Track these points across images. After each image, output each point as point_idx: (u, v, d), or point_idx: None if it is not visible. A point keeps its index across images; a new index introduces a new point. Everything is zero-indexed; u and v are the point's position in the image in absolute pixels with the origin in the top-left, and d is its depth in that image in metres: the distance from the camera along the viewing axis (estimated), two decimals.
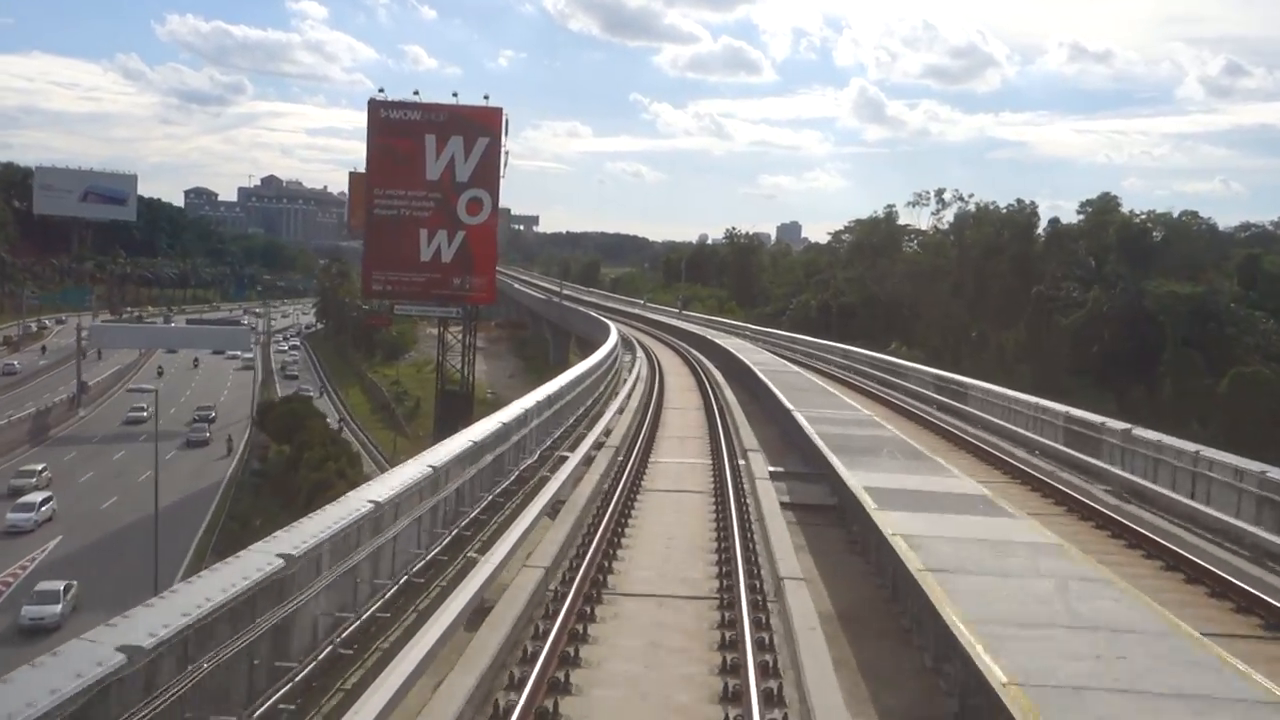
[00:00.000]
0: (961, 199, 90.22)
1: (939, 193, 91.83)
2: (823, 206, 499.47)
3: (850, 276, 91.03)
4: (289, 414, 59.52)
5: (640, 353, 50.17)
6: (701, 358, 49.61)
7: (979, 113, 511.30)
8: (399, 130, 70.98)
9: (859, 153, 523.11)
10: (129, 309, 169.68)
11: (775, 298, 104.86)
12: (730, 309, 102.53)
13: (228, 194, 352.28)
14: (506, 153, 72.46)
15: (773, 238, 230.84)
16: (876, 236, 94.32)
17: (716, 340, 53.57)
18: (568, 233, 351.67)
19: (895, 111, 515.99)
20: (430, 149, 70.90)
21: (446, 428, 43.04)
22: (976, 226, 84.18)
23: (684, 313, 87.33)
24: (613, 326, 60.88)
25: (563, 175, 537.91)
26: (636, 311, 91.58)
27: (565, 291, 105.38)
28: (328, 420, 67.58)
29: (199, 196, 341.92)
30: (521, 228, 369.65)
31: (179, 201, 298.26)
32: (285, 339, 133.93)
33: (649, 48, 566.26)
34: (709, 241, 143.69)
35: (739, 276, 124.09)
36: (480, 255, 72.40)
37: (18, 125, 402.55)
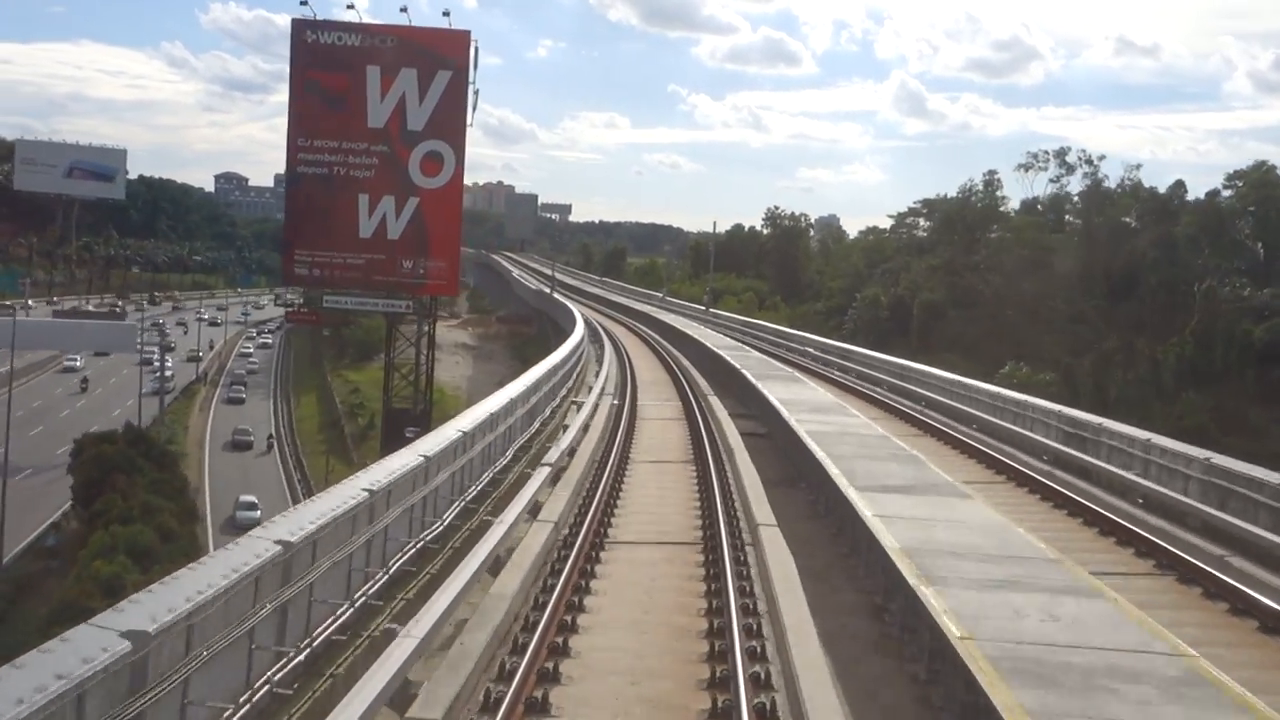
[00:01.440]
0: (1090, 162, 70.48)
1: (1059, 154, 71.39)
2: (860, 200, 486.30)
3: (935, 265, 71.89)
4: (96, 460, 41.71)
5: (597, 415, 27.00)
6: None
7: (1021, 107, 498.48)
8: (331, 60, 53.28)
9: (898, 146, 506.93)
10: (102, 296, 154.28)
11: (830, 292, 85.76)
12: (773, 305, 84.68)
13: (265, 181, 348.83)
14: (476, 92, 54.67)
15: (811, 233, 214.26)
16: (970, 214, 74.22)
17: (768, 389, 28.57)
18: (600, 222, 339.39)
19: (936, 105, 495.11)
20: (373, 86, 53.12)
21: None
22: (1110, 204, 64.16)
23: (712, 311, 69.07)
24: (569, 344, 41.19)
25: (600, 166, 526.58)
26: (648, 309, 72.95)
27: (558, 276, 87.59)
28: (179, 463, 49.89)
29: (229, 181, 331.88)
30: (556, 217, 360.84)
31: (212, 187, 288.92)
32: (260, 332, 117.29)
33: (688, 38, 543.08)
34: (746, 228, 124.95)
35: (782, 266, 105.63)
36: (439, 231, 54.57)
37: (66, 112, 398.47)
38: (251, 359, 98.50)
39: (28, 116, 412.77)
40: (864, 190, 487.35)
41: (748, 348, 47.02)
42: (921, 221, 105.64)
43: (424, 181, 53.80)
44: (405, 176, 53.61)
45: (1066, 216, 69.07)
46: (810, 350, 48.75)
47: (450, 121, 53.94)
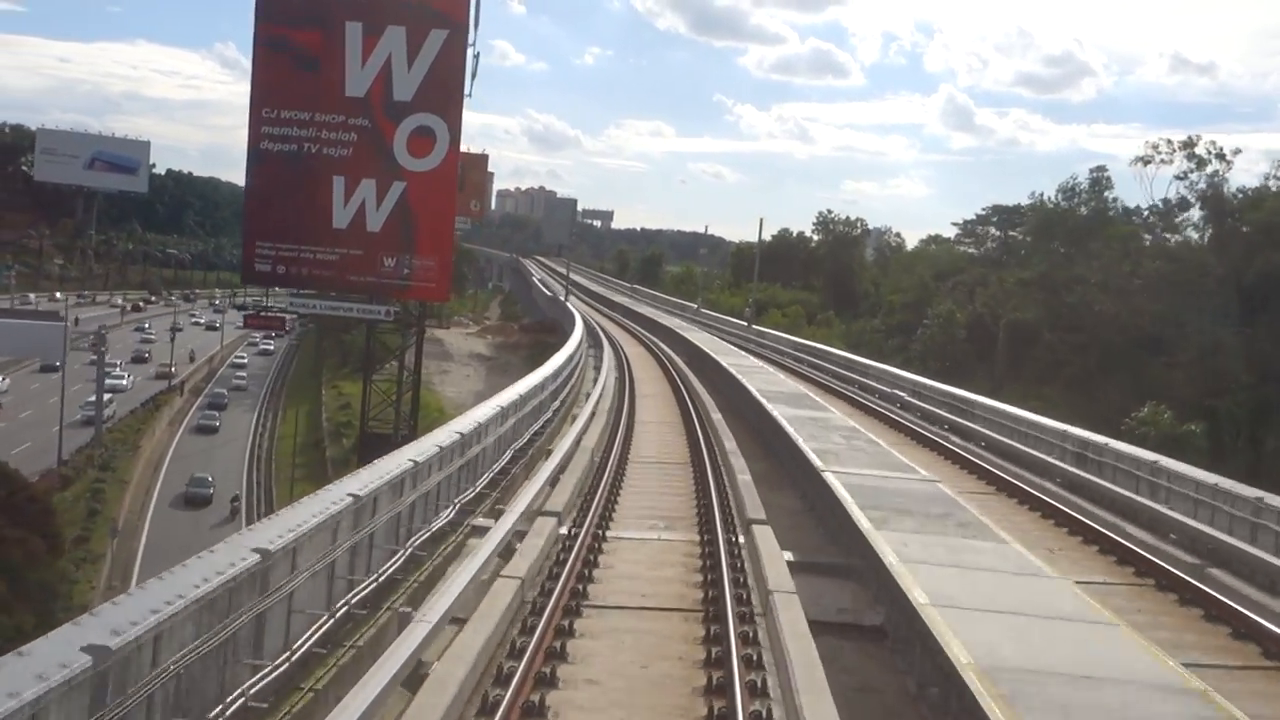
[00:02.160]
0: (1221, 156, 58.91)
1: (1187, 145, 59.40)
2: (904, 214, 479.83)
3: (1026, 278, 60.73)
4: None
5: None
6: None
7: (1071, 123, 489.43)
8: (303, 13, 44.48)
9: (944, 160, 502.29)
10: (108, 293, 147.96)
11: (889, 308, 75.20)
12: (824, 321, 74.86)
13: None
14: (476, 56, 45.75)
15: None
16: (1073, 219, 62.10)
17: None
18: (642, 230, 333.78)
19: (984, 119, 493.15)
20: (352, 46, 44.20)
21: None
22: (1253, 207, 52.62)
23: (754, 328, 58.83)
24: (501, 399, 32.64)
25: (643, 174, 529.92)
26: (679, 325, 62.66)
27: (586, 283, 78.19)
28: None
29: None
30: (598, 224, 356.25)
31: None
32: (266, 336, 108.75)
33: (735, 48, 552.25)
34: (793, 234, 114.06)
35: (834, 277, 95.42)
36: (428, 222, 45.43)
37: (121, 111, 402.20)
38: (239, 374, 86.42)
39: (84, 114, 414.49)
40: (908, 204, 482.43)
41: (822, 400, 31.30)
42: (991, 230, 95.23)
43: (411, 163, 44.73)
44: (389, 156, 44.59)
45: (1193, 220, 58.11)
46: (902, 394, 34.66)
47: (444, 91, 44.87)
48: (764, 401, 26.85)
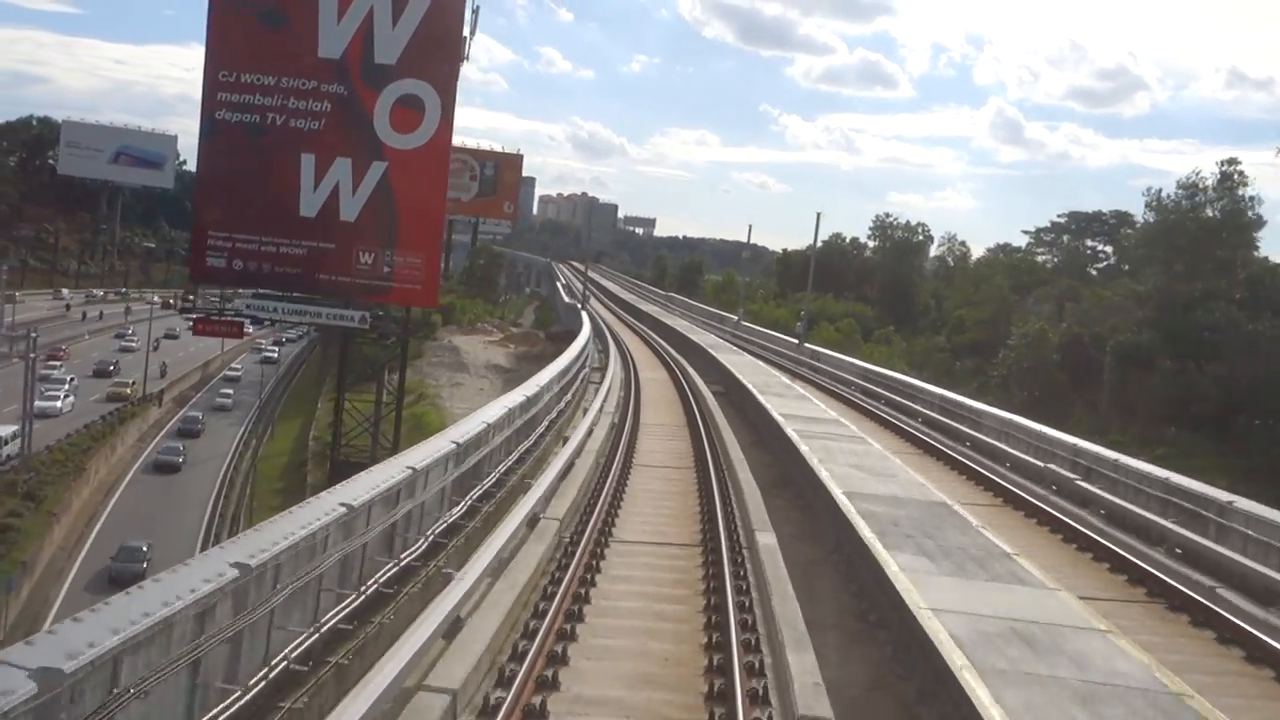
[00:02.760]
0: None
1: None
2: (950, 227, 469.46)
3: (1142, 292, 50.77)
4: None
5: None
6: None
7: (1123, 138, 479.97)
8: None
9: (992, 174, 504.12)
10: (122, 290, 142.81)
11: (956, 323, 65.56)
12: (883, 337, 66.26)
13: None
14: (475, 11, 38.30)
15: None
16: (1202, 226, 50.67)
17: None
18: (684, 238, 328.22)
19: (1034, 133, 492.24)
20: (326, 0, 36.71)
21: None
22: None
23: (805, 346, 49.66)
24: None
25: (687, 183, 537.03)
26: (715, 345, 53.06)
27: (618, 291, 69.89)
28: None
29: None
30: (640, 231, 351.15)
31: None
32: (281, 341, 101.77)
33: (782, 58, 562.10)
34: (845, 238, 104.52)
35: (892, 288, 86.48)
36: (415, 211, 37.67)
37: (174, 113, 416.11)
38: (224, 392, 71.87)
39: (137, 115, 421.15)
40: (954, 217, 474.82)
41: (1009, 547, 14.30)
42: (1064, 239, 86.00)
43: (395, 139, 37.09)
44: (369, 131, 36.98)
45: None
46: (1059, 469, 21.11)
47: (436, 53, 37.21)
48: (887, 565, 12.30)
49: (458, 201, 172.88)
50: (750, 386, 30.60)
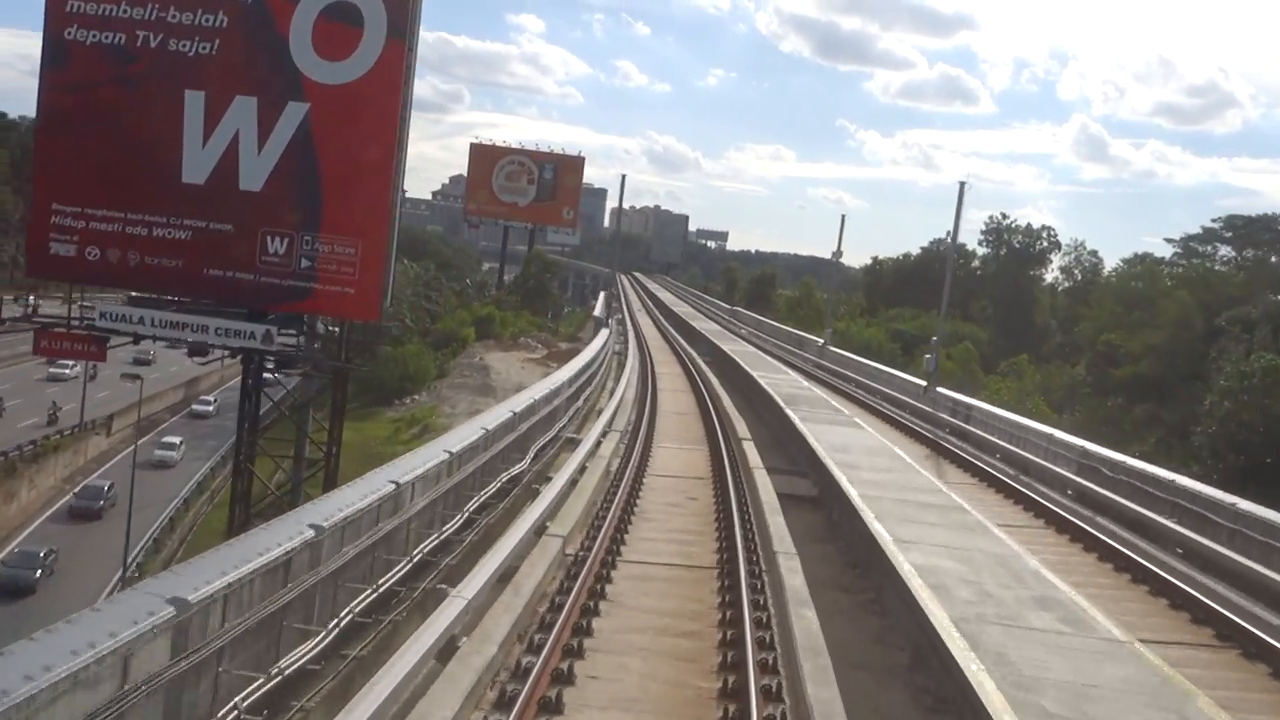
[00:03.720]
0: None
1: None
2: None
3: None
4: None
5: None
6: None
7: (1212, 156, 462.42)
8: None
9: (1073, 192, 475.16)
10: None
11: (1114, 352, 50.40)
12: (1012, 369, 52.36)
13: (423, 194, 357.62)
14: None
15: None
16: None
17: None
18: (756, 252, 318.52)
19: (1119, 150, 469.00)
20: None
21: None
22: None
23: (939, 392, 33.99)
24: None
25: (761, 199, 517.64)
26: (781, 381, 35.64)
27: (673, 303, 57.15)
28: None
29: None
30: (713, 244, 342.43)
31: None
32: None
33: (860, 72, 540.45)
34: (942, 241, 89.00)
35: (1011, 305, 71.92)
36: (348, 181, 25.36)
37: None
38: (164, 443, 53.21)
39: None
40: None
41: None
42: (1220, 249, 70.93)
43: (320, 69, 24.96)
44: (282, 57, 24.90)
45: None
46: None
47: None
48: None
49: (514, 206, 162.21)
50: (882, 538, 14.33)
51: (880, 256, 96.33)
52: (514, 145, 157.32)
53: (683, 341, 62.62)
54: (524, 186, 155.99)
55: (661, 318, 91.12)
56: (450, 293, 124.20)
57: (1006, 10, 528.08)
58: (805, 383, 38.72)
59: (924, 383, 34.86)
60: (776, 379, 37.35)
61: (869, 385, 41.30)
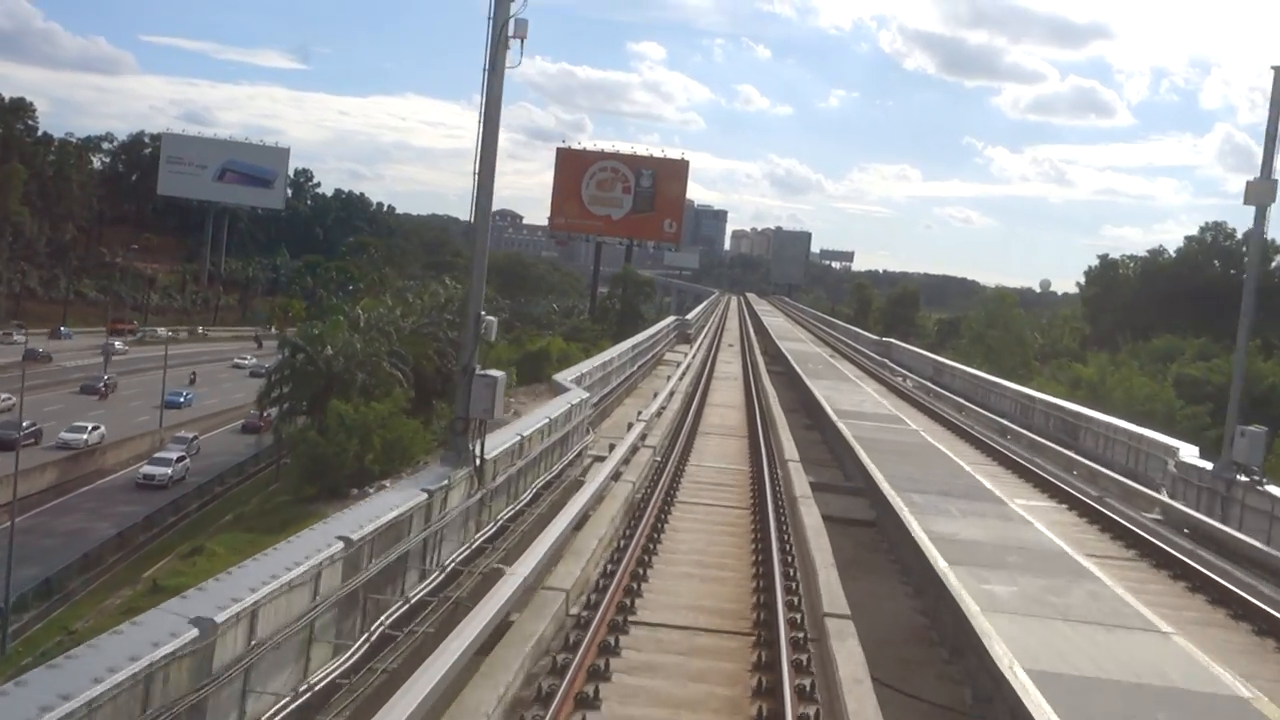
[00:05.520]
0: None
1: None
2: None
3: None
4: None
5: None
6: None
7: None
8: None
9: (1219, 205, 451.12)
10: (180, 327, 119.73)
11: None
12: None
13: (539, 220, 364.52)
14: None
15: None
16: None
17: None
18: (884, 272, 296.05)
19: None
20: None
21: None
22: None
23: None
24: None
25: (886, 220, 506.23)
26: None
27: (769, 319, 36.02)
28: None
29: (502, 218, 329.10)
30: (837, 264, 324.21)
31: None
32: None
33: (988, 88, 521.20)
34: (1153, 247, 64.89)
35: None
36: None
37: (390, 159, 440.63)
38: (160, 460, 51.92)
39: (357, 162, 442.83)
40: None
41: None
42: None
43: None
44: None
45: None
46: None
47: None
48: None
49: (607, 220, 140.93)
50: None
51: (1112, 256, 71.49)
52: (606, 149, 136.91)
53: (769, 406, 30.54)
54: (618, 196, 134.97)
55: (763, 352, 67.24)
56: (527, 321, 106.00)
57: (1144, 18, 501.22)
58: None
59: None
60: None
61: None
